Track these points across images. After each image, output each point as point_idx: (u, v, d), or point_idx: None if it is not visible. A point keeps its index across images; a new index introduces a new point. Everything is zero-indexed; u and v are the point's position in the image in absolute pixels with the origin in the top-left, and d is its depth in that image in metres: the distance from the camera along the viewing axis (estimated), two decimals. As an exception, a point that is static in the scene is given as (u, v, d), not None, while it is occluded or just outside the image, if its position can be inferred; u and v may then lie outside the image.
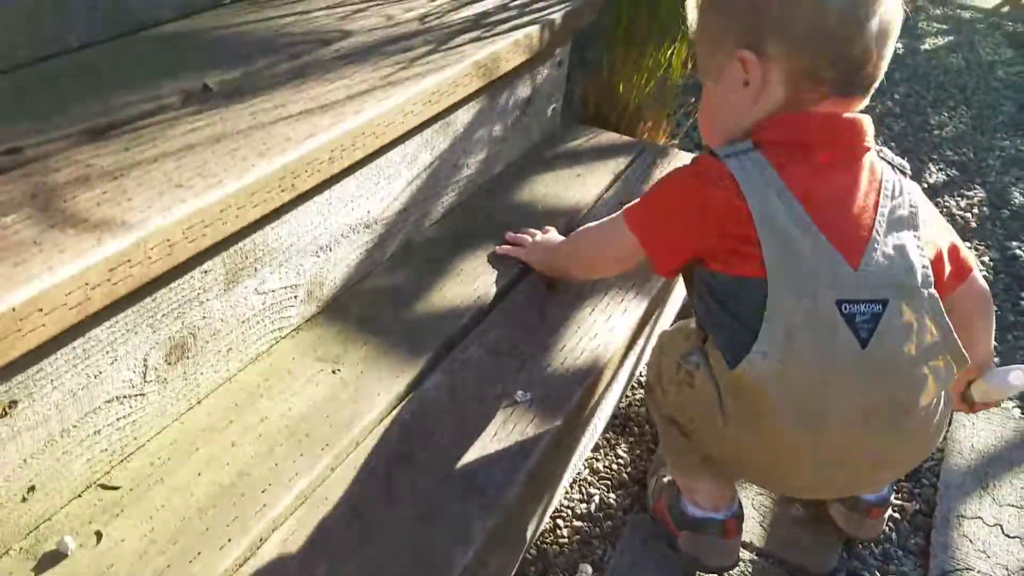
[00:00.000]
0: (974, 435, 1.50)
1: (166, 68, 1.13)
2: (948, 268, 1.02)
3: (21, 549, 0.81)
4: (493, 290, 1.26)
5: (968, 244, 2.10)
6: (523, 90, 1.55)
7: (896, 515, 1.33)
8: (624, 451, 1.40)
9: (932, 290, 0.93)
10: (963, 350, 0.94)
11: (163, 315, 0.90)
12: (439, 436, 1.01)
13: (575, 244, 1.23)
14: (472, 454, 0.99)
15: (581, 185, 1.57)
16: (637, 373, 1.53)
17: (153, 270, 0.83)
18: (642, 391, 1.53)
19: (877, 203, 0.93)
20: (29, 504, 0.82)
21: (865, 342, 0.89)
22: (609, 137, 1.77)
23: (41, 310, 0.73)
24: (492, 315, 1.23)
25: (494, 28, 1.41)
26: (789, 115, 0.93)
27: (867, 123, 0.95)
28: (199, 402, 1.00)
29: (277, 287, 1.07)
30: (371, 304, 1.20)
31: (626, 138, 1.78)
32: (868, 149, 0.95)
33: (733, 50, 0.93)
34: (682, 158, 1.71)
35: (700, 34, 1.01)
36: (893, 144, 2.54)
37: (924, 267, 0.93)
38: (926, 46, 3.32)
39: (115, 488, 0.87)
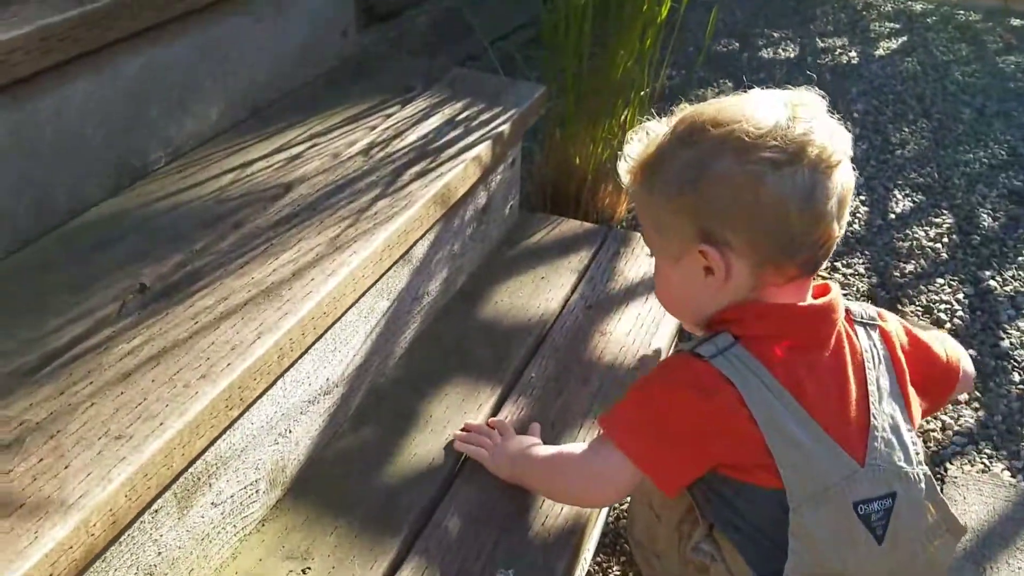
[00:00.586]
0: (966, 511, 1.48)
1: (99, 267, 1.08)
2: (939, 384, 1.03)
3: None
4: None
5: (941, 279, 2.08)
6: (480, 200, 1.51)
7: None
8: (617, 574, 1.37)
9: (924, 467, 0.91)
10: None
11: (115, 571, 0.85)
12: (421, 640, 0.97)
13: (552, 474, 1.07)
14: (456, 657, 0.95)
15: (546, 290, 1.53)
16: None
17: (98, 544, 0.78)
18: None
19: (864, 380, 0.91)
20: None
21: (881, 539, 0.87)
22: (570, 226, 1.73)
23: (-23, 635, 0.68)
24: (465, 472, 1.19)
25: (442, 153, 1.37)
26: (763, 307, 0.90)
27: (839, 301, 0.92)
28: (165, 634, 0.95)
29: (236, 491, 1.02)
30: (339, 474, 1.16)
31: (587, 225, 1.74)
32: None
33: (691, 240, 0.89)
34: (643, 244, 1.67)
35: (647, 214, 0.96)
36: (857, 171, 2.51)
37: (914, 443, 0.92)
38: (880, 51, 3.30)
39: None
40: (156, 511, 0.89)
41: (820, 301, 0.92)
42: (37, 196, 1.12)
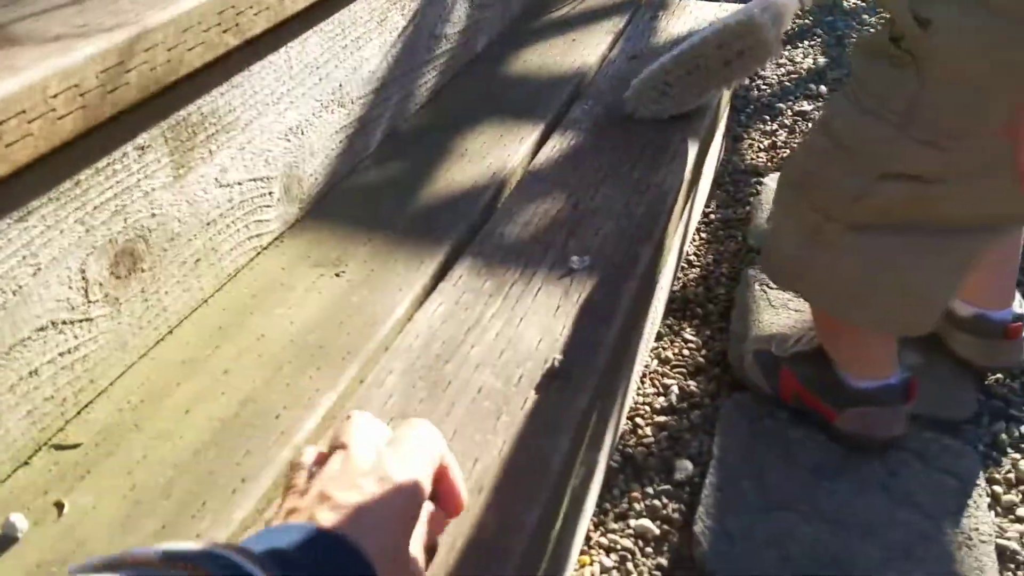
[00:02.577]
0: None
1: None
2: None
3: (-48, 548, 0.57)
4: (514, 162, 1.03)
5: None
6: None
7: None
8: (691, 335, 1.18)
9: None
10: None
11: (95, 208, 0.66)
12: (488, 323, 0.78)
13: None
14: (533, 336, 0.76)
15: (580, 49, 1.34)
16: (685, 252, 1.31)
17: (63, 128, 0.59)
18: (695, 271, 1.30)
19: None
20: (-47, 487, 0.59)
21: None
22: (598, 0, 1.54)
23: None
24: (517, 188, 1.00)
25: None
26: None
27: None
28: (171, 331, 0.76)
29: (244, 179, 0.83)
30: (366, 200, 0.97)
31: (616, -1, 1.55)
32: None
33: None
34: (690, 8, 1.48)
35: None
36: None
37: None
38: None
39: (74, 446, 0.64)
40: (143, 149, 0.69)
41: None
42: None
